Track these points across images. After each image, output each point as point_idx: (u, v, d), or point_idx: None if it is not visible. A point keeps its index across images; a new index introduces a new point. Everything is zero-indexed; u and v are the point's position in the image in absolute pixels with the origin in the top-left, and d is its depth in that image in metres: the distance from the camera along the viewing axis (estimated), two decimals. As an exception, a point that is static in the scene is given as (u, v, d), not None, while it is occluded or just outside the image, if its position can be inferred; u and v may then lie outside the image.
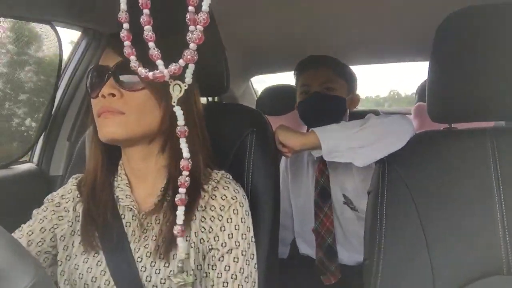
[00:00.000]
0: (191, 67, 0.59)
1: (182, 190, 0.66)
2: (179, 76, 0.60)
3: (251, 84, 2.56)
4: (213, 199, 0.74)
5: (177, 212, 0.66)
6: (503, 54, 0.82)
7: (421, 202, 0.84)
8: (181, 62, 0.56)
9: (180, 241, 0.66)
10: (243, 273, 0.71)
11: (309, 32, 1.69)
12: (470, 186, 0.83)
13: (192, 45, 0.55)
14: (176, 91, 0.62)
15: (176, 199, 0.66)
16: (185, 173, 0.67)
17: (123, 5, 0.56)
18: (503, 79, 0.82)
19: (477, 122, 0.90)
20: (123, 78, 0.68)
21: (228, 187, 0.76)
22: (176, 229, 0.66)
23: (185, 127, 0.64)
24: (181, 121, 0.64)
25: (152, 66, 0.57)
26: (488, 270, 0.78)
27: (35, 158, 1.41)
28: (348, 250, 1.31)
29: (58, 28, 1.25)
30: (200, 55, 0.77)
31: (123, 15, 0.57)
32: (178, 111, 0.63)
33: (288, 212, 1.44)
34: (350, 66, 1.42)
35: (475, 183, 0.83)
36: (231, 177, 0.80)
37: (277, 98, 2.25)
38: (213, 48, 0.90)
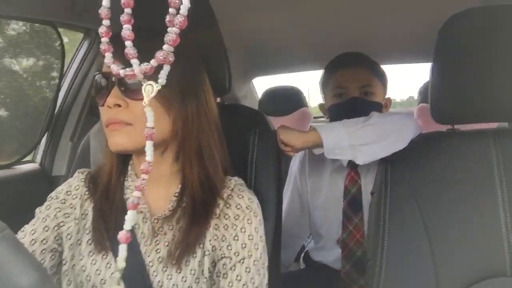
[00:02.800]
0: (166, 68, 0.58)
1: (137, 193, 0.59)
2: (154, 77, 0.59)
3: (253, 85, 2.56)
4: (227, 208, 0.73)
5: (126, 216, 0.59)
6: (505, 55, 0.82)
7: (424, 203, 0.83)
8: (153, 62, 0.55)
9: (122, 248, 0.59)
10: (254, 283, 0.70)
11: (311, 33, 1.69)
12: (474, 187, 0.83)
13: (166, 46, 0.54)
14: (148, 92, 0.61)
15: (128, 202, 0.59)
16: (144, 176, 0.60)
17: (105, 2, 0.55)
18: (506, 80, 0.82)
19: (480, 123, 0.90)
20: (128, 86, 0.66)
21: (243, 196, 0.75)
22: (121, 234, 0.59)
23: (153, 129, 0.60)
24: (150, 123, 0.59)
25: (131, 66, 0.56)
26: (492, 271, 0.78)
27: (38, 158, 1.41)
28: None
29: (59, 29, 1.25)
30: (201, 56, 0.77)
31: (104, 11, 0.56)
32: (149, 112, 0.60)
33: (299, 220, 1.39)
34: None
35: (479, 184, 0.83)
36: (244, 183, 0.80)
37: (280, 99, 2.25)
38: (214, 48, 0.90)
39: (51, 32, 1.27)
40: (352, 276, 1.24)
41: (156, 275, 0.69)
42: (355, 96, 1.22)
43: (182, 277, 0.69)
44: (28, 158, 1.40)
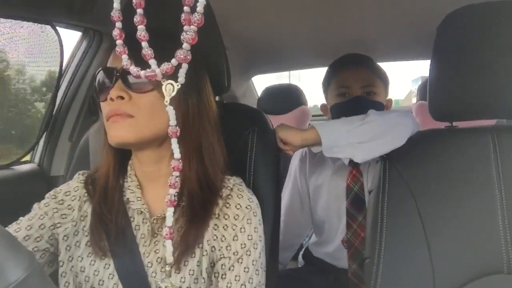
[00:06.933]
0: (185, 66, 0.58)
1: (172, 191, 0.65)
2: (173, 76, 0.59)
3: (252, 83, 2.55)
4: (227, 207, 0.73)
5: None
6: (503, 51, 0.82)
7: (422, 200, 0.83)
8: (174, 61, 0.55)
9: (168, 244, 0.66)
10: (252, 283, 0.70)
11: (310, 31, 1.68)
12: (472, 184, 0.83)
13: (185, 45, 0.54)
14: (169, 91, 0.61)
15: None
16: (176, 173, 0.65)
17: (116, 4, 0.55)
18: (504, 77, 0.82)
19: (478, 120, 0.90)
20: (131, 80, 0.66)
21: (242, 196, 0.75)
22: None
23: (177, 128, 0.63)
24: (173, 121, 0.62)
25: (146, 66, 0.57)
26: (489, 269, 0.78)
27: (37, 158, 1.41)
28: None
29: (59, 28, 1.25)
30: (202, 55, 0.77)
31: (116, 13, 0.56)
32: (170, 111, 0.61)
33: (299, 219, 1.39)
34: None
35: (477, 181, 0.83)
36: (243, 182, 0.79)
37: (279, 97, 2.25)
38: (213, 47, 0.90)
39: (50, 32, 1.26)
40: (360, 276, 1.23)
41: (155, 276, 0.69)
42: (359, 95, 1.23)
43: (181, 278, 0.69)
44: (27, 158, 1.40)
